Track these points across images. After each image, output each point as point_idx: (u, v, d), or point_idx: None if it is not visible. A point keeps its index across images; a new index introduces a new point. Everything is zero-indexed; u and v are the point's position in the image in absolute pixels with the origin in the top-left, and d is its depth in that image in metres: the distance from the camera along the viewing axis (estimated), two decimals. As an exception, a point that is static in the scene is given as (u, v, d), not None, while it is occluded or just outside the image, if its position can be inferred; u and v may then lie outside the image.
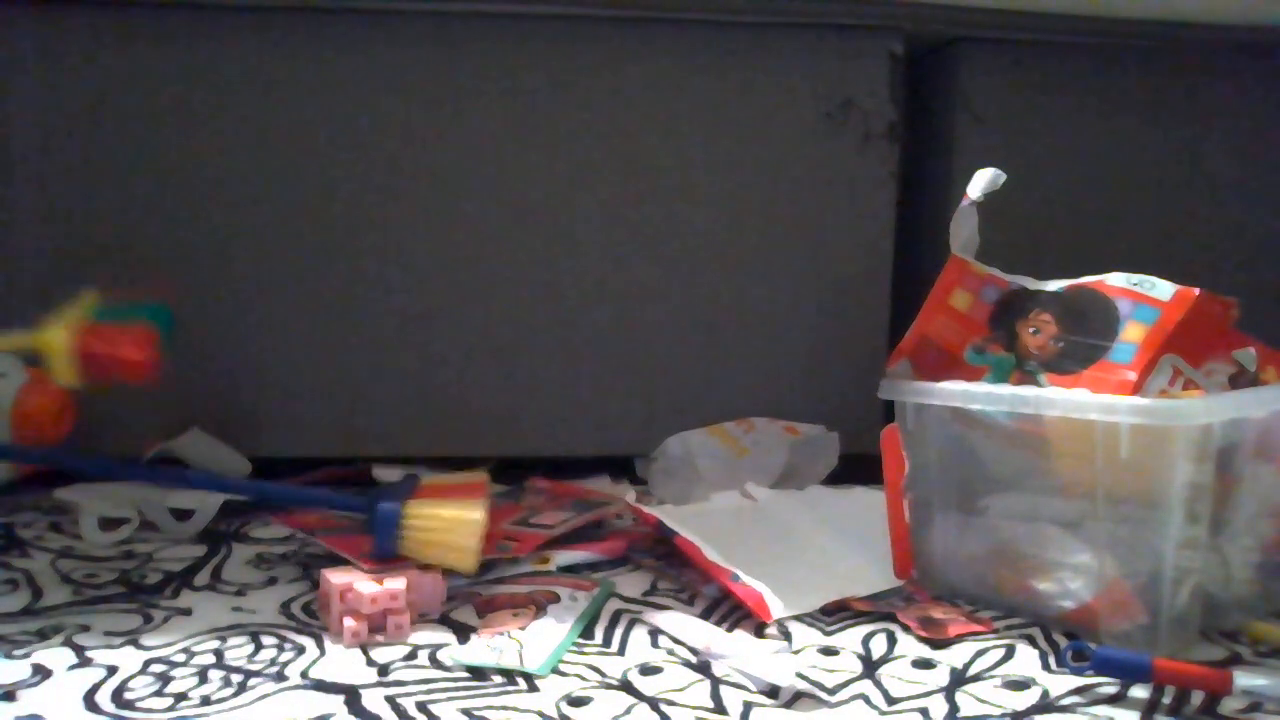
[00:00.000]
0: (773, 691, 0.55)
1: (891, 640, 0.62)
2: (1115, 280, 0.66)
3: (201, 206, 0.90)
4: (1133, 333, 0.63)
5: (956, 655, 0.60)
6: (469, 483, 0.77)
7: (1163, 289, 0.64)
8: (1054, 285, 0.69)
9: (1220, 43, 0.98)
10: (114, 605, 0.67)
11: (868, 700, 0.55)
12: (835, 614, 0.67)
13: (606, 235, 0.94)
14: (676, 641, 0.62)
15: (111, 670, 0.57)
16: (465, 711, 0.52)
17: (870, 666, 0.59)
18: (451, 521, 0.69)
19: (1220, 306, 0.64)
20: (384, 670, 0.57)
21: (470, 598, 0.69)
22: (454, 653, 0.60)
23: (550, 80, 0.92)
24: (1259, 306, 0.70)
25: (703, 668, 0.58)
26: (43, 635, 0.62)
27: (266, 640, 0.61)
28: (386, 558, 0.68)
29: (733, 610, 0.67)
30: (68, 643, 0.60)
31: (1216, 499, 0.60)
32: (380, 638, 0.61)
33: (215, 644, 0.61)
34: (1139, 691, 0.55)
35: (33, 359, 0.84)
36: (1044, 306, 0.68)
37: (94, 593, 0.69)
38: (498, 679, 0.56)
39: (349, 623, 0.61)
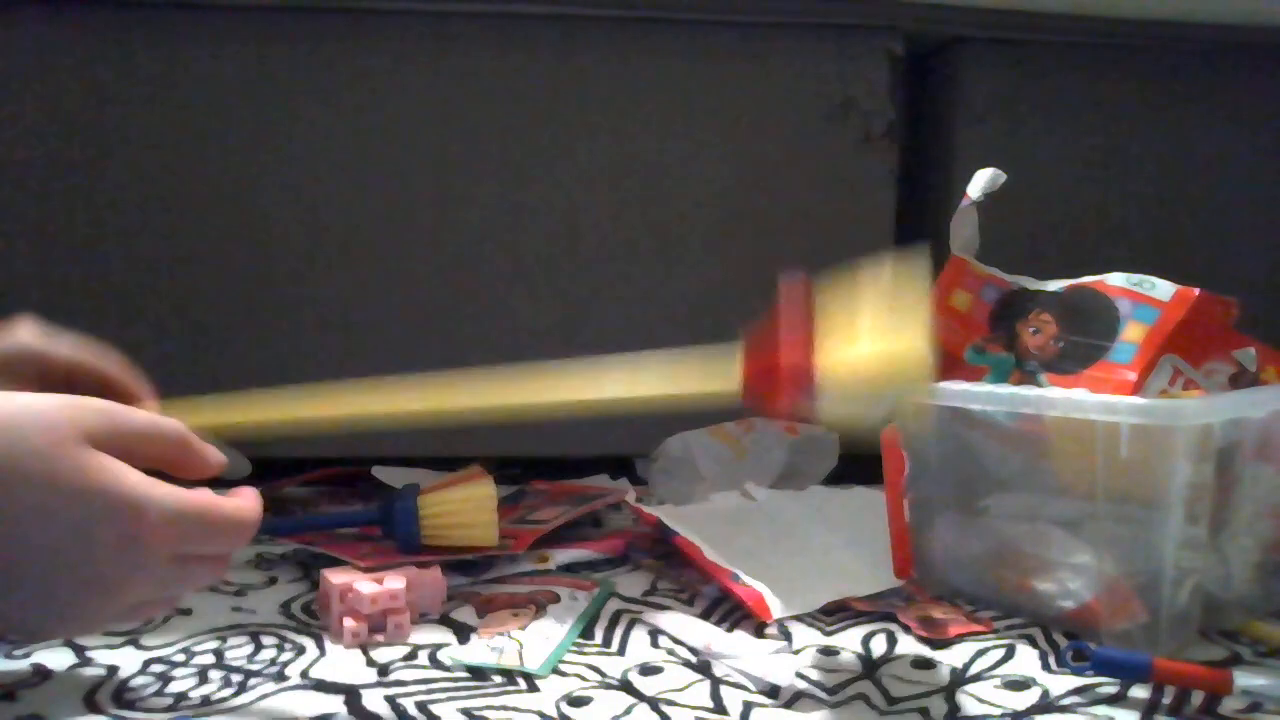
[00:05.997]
0: (773, 691, 0.55)
1: (891, 640, 0.62)
2: (1115, 280, 0.66)
3: (201, 206, 0.90)
4: (1133, 333, 0.63)
5: (956, 655, 0.60)
6: (467, 474, 0.77)
7: (1163, 289, 0.64)
8: (1054, 285, 0.69)
9: (1220, 43, 0.98)
10: (114, 605, 0.67)
11: (868, 700, 0.55)
12: (835, 614, 0.67)
13: (607, 235, 0.94)
14: (677, 641, 0.62)
15: (111, 670, 0.57)
16: (465, 711, 0.52)
17: (870, 666, 0.59)
18: (465, 501, 0.72)
19: (1220, 306, 0.64)
20: (384, 670, 0.57)
21: (470, 598, 0.69)
22: (454, 653, 0.60)
23: (550, 80, 0.92)
24: (1259, 306, 0.70)
25: (703, 668, 0.58)
26: (43, 635, 0.61)
27: (266, 640, 0.61)
28: (412, 552, 0.71)
29: (733, 610, 0.67)
30: (68, 643, 0.60)
31: (1216, 499, 0.60)
32: (380, 638, 0.61)
33: (215, 644, 0.61)
34: (1139, 691, 0.55)
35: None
36: (1044, 306, 0.68)
37: (94, 593, 0.69)
38: (498, 679, 0.56)
39: (349, 623, 0.61)
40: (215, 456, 0.52)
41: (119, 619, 0.51)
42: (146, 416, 0.49)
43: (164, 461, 0.49)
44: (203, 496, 0.48)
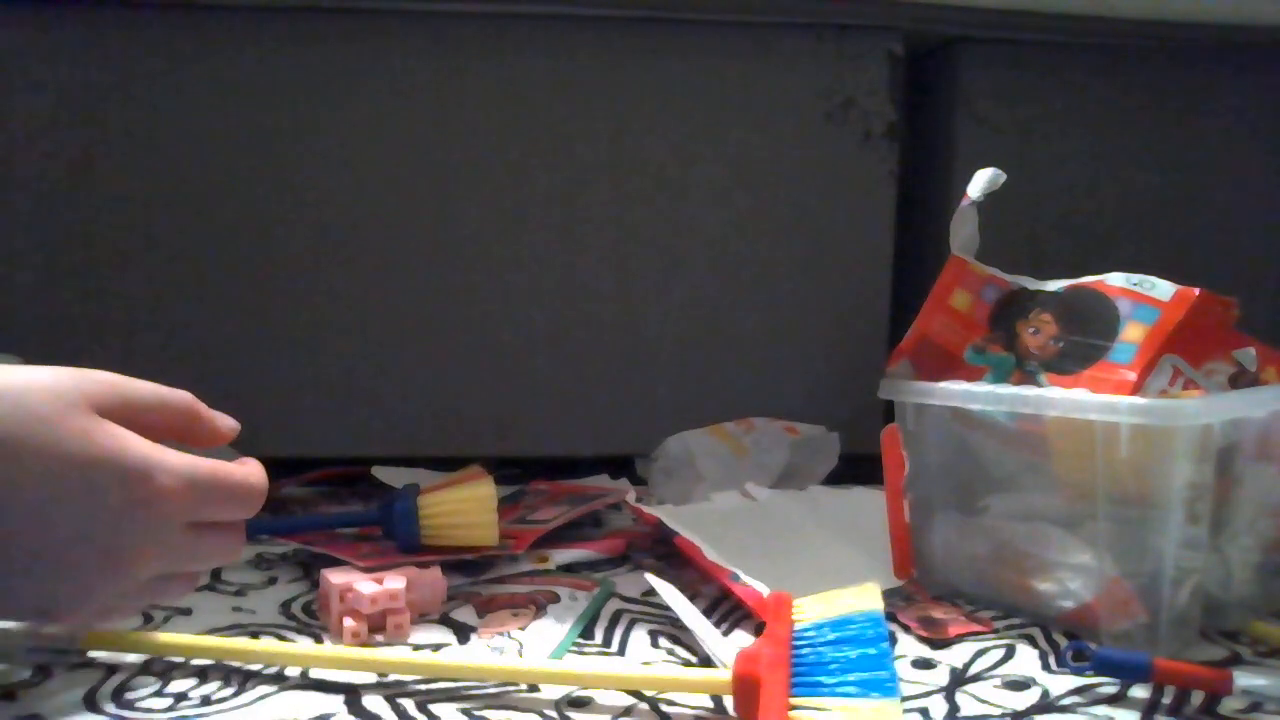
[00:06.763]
0: (773, 691, 0.55)
1: (891, 640, 0.62)
2: (1115, 280, 0.66)
3: (200, 206, 0.90)
4: (1133, 333, 0.63)
5: (956, 655, 0.60)
6: (467, 474, 0.77)
7: (1163, 289, 0.64)
8: (1054, 285, 0.69)
9: (1220, 43, 0.98)
10: (114, 605, 0.67)
11: (868, 700, 0.54)
12: (835, 614, 0.66)
13: (606, 235, 0.94)
14: (676, 642, 0.62)
15: (111, 670, 0.57)
16: (465, 712, 0.52)
17: (870, 666, 0.59)
18: (465, 501, 0.72)
19: (1220, 306, 0.64)
20: (384, 670, 0.57)
21: (470, 598, 0.69)
22: (454, 653, 0.60)
23: (550, 80, 0.92)
24: (1259, 306, 0.70)
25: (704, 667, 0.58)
26: (43, 635, 0.61)
27: (266, 640, 0.61)
28: (412, 552, 0.71)
29: (733, 610, 0.67)
30: (68, 642, 0.60)
31: (1216, 499, 0.60)
32: (380, 638, 0.61)
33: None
34: (1139, 691, 0.55)
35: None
36: (1044, 306, 0.68)
37: (94, 593, 0.69)
38: (498, 679, 0.56)
39: (349, 623, 0.61)
40: (226, 423, 0.52)
41: (137, 597, 0.49)
42: (153, 386, 0.49)
43: (173, 431, 0.48)
44: (211, 462, 0.48)
